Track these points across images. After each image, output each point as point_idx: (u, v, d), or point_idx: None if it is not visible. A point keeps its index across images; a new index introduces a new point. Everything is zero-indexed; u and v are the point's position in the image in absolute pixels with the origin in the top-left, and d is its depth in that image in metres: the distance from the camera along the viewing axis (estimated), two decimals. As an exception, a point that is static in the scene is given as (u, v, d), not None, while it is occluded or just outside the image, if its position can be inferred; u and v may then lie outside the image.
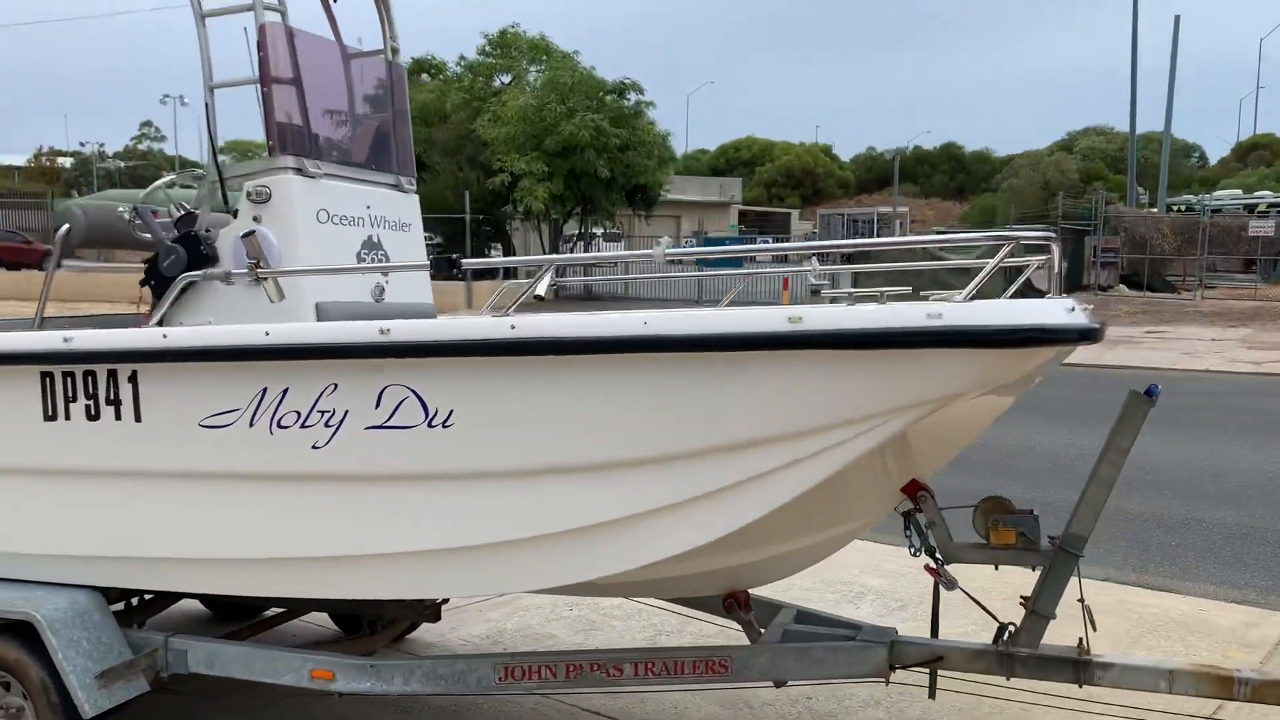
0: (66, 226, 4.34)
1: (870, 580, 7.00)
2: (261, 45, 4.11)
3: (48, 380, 3.67)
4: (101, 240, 4.50)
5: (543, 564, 3.26)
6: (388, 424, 3.23)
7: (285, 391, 3.34)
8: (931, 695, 4.00)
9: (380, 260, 4.50)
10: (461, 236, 31.67)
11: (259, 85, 4.13)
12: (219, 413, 3.43)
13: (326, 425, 3.30)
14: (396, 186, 4.75)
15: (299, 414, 3.33)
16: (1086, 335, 2.78)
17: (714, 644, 4.62)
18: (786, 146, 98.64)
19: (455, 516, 3.26)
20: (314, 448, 3.32)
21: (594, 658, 3.66)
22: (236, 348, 3.39)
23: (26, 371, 3.68)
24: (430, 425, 3.19)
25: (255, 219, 4.13)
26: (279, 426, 3.36)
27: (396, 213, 4.70)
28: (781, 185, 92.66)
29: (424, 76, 38.61)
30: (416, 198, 4.93)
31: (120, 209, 4.31)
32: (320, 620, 5.74)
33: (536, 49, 35.58)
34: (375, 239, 4.53)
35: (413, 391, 3.20)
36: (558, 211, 33.89)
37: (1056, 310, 2.78)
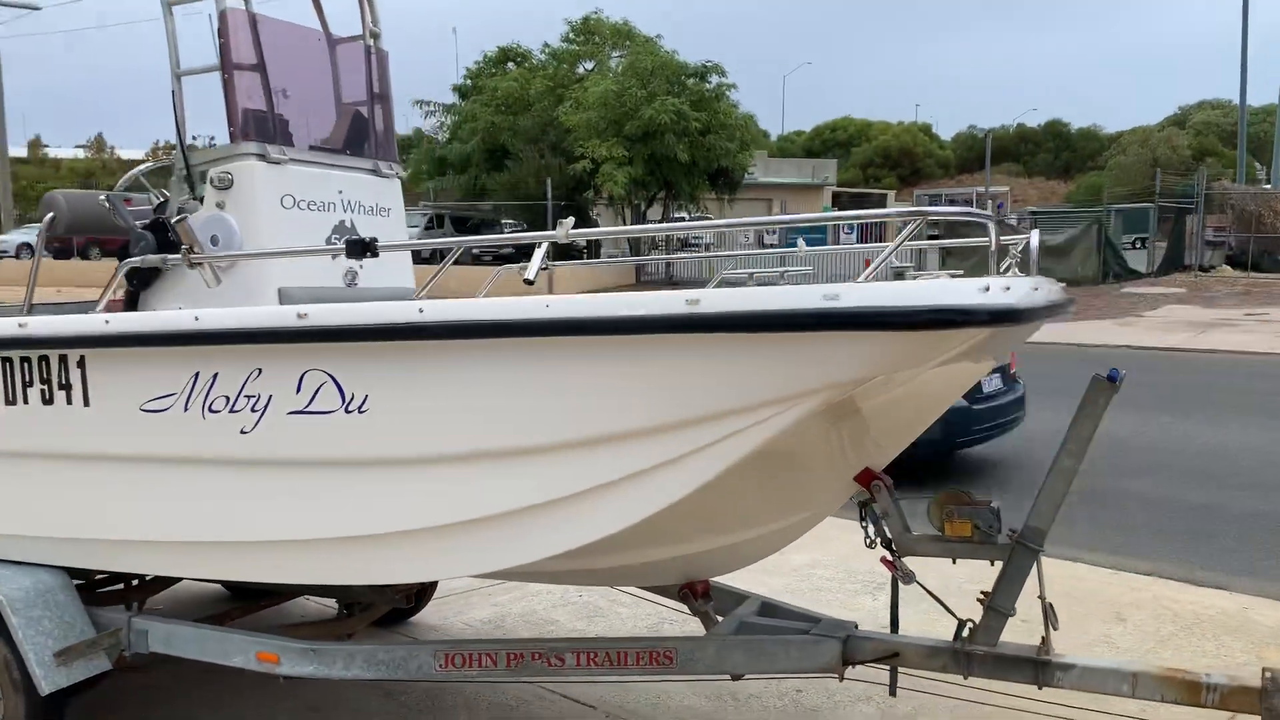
0: (51, 215, 4.44)
1: (894, 571, 6.81)
2: (222, 31, 4.13)
3: (7, 365, 3.76)
4: (84, 228, 4.60)
5: (457, 552, 3.22)
6: (308, 409, 3.22)
7: (215, 376, 3.36)
8: (892, 693, 3.85)
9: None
10: (543, 223, 31.85)
11: (220, 71, 4.16)
12: (157, 397, 3.47)
13: (253, 410, 3.31)
14: (374, 171, 4.74)
15: (228, 399, 3.34)
16: (1001, 317, 2.60)
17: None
18: (884, 126, 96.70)
19: (373, 503, 3.24)
20: (242, 432, 3.34)
21: (536, 647, 3.61)
22: (169, 333, 3.42)
23: (-18, 357, 3.78)
24: (347, 410, 3.17)
25: (218, 205, 4.17)
26: (210, 411, 3.38)
27: (374, 197, 4.69)
28: (878, 166, 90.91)
29: (510, 65, 38.88)
30: (398, 182, 4.91)
31: (100, 197, 4.40)
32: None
33: (619, 34, 35.52)
34: (349, 224, 4.52)
35: (330, 376, 3.18)
36: (639, 196, 33.82)
37: (967, 290, 2.60)
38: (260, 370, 3.28)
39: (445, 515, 3.16)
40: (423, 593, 5.62)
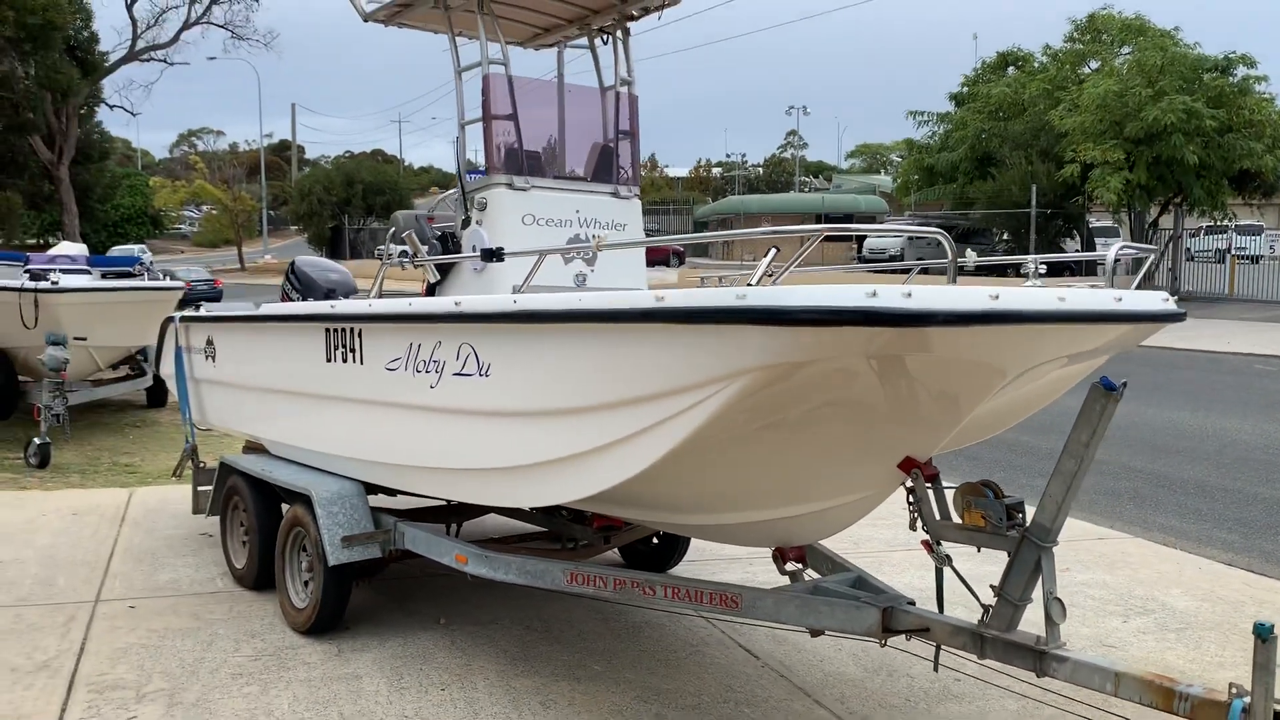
0: (393, 229, 6.10)
1: (1163, 591, 6.51)
2: (484, 91, 5.47)
3: (328, 333, 5.40)
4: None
5: (528, 486, 4.21)
6: (463, 372, 4.39)
7: (420, 346, 4.65)
8: (935, 669, 4.15)
9: (586, 255, 5.62)
10: (1027, 230, 30.82)
11: (482, 121, 5.50)
12: (393, 359, 4.85)
13: (436, 372, 4.55)
14: (614, 194, 5.84)
15: (425, 362, 4.62)
16: (882, 319, 3.01)
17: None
18: None
19: (493, 444, 4.32)
20: (431, 388, 4.59)
21: (635, 577, 4.47)
22: (396, 314, 4.79)
23: (316, 327, 5.45)
24: (482, 374, 4.28)
25: (477, 222, 5.53)
26: (417, 371, 4.68)
27: (609, 215, 5.79)
28: None
29: (1010, 70, 37.86)
30: (637, 202, 5.96)
31: (414, 215, 5.98)
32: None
33: (1129, 30, 33.08)
34: (583, 236, 5.67)
35: (473, 349, 4.32)
36: (1141, 202, 31.27)
37: (852, 295, 3.05)
38: (440, 342, 4.51)
39: (527, 456, 4.16)
40: (671, 552, 6.59)
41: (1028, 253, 31.55)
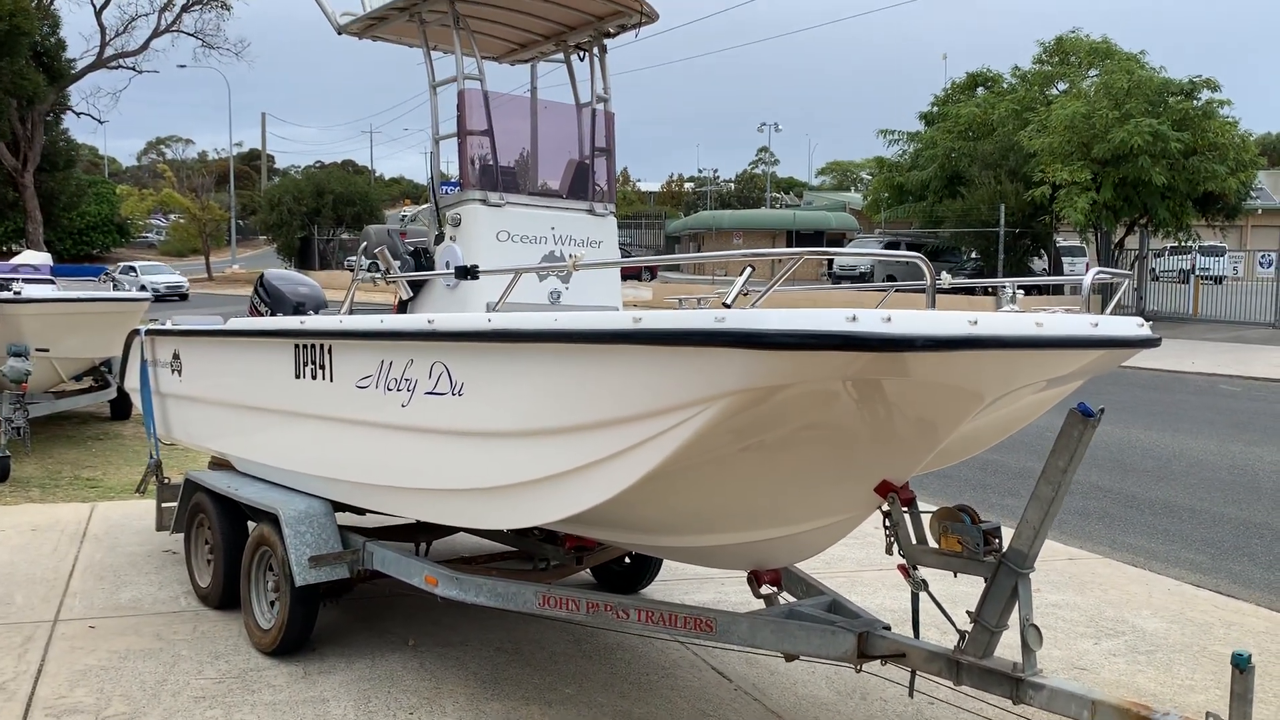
0: (365, 243, 6.02)
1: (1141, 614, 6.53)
2: (460, 106, 5.41)
3: (297, 349, 5.31)
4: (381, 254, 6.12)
5: (502, 508, 4.14)
6: (435, 391, 4.32)
7: (391, 364, 4.58)
8: (910, 694, 4.12)
9: (561, 274, 5.56)
10: (996, 250, 31.08)
11: (457, 136, 5.44)
12: (364, 377, 4.77)
13: (408, 390, 4.48)
14: (590, 211, 5.80)
15: (396, 380, 4.55)
16: (860, 344, 2.99)
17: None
18: None
19: (466, 464, 4.25)
20: (402, 406, 4.52)
21: (608, 600, 4.41)
22: (367, 331, 4.72)
23: (285, 343, 5.36)
24: (455, 394, 4.22)
25: (451, 238, 5.46)
26: (387, 390, 4.61)
27: (585, 232, 5.74)
28: None
29: (979, 90, 38.24)
30: (613, 219, 5.92)
31: (385, 230, 5.90)
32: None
33: (1096, 53, 33.52)
34: (559, 253, 5.62)
35: (446, 368, 4.26)
36: (1107, 222, 31.60)
37: (831, 319, 3.02)
38: (412, 361, 4.44)
39: (501, 477, 4.09)
40: (643, 572, 6.54)
41: (996, 271, 31.96)
